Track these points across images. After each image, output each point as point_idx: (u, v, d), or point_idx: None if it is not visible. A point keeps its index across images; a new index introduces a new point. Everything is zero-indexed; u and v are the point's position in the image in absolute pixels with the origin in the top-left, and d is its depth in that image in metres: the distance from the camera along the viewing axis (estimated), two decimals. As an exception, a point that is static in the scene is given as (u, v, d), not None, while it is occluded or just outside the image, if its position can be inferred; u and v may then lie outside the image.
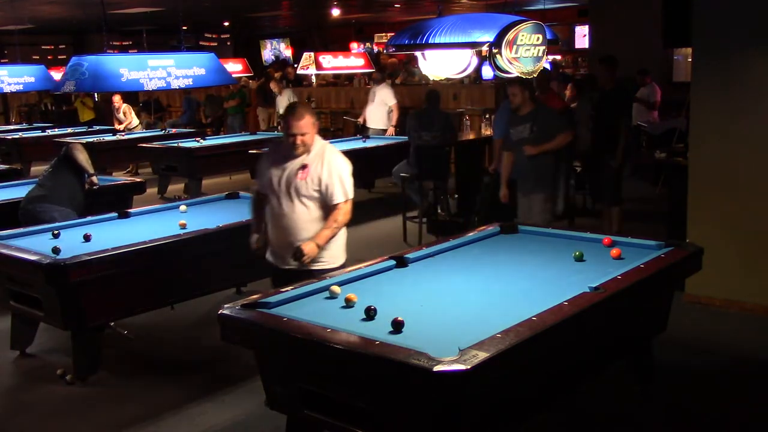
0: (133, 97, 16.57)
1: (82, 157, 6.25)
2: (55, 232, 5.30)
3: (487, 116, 10.54)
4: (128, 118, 12.24)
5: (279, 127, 11.96)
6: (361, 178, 10.40)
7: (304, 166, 4.14)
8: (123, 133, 12.30)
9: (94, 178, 6.38)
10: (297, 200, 4.14)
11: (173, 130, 12.96)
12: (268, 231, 4.29)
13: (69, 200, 6.16)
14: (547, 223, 5.69)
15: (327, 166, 4.14)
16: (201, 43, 21.63)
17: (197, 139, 11.26)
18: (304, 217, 4.16)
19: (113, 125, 12.98)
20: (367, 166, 9.82)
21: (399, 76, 14.61)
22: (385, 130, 10.78)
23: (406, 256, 4.24)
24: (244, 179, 11.92)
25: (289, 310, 3.41)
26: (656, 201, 8.83)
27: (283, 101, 11.32)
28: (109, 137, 12.01)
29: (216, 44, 21.85)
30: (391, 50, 8.61)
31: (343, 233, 4.31)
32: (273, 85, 11.62)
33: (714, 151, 5.70)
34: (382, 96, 10.77)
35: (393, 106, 10.73)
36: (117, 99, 12.32)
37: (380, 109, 10.79)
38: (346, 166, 4.24)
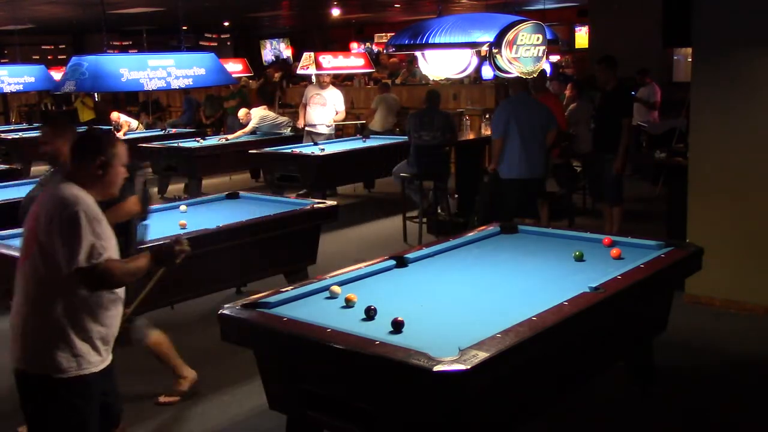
0: (133, 97, 16.59)
1: None
2: (55, 232, 5.28)
3: (487, 116, 10.52)
4: (125, 127, 12.32)
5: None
6: (361, 178, 10.49)
7: None
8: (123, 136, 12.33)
9: None
10: None
11: (173, 130, 12.96)
12: (95, 326, 2.98)
13: None
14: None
15: None
16: (201, 43, 21.62)
17: (197, 139, 11.25)
18: None
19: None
20: (367, 166, 9.85)
21: (399, 76, 14.60)
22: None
23: (406, 256, 4.24)
24: (244, 179, 11.93)
25: (289, 310, 3.41)
26: (656, 201, 8.82)
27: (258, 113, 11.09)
28: (108, 137, 12.01)
29: (216, 44, 21.84)
30: (391, 50, 8.59)
31: None
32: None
33: (714, 151, 5.69)
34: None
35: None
36: (115, 117, 12.40)
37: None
38: None
